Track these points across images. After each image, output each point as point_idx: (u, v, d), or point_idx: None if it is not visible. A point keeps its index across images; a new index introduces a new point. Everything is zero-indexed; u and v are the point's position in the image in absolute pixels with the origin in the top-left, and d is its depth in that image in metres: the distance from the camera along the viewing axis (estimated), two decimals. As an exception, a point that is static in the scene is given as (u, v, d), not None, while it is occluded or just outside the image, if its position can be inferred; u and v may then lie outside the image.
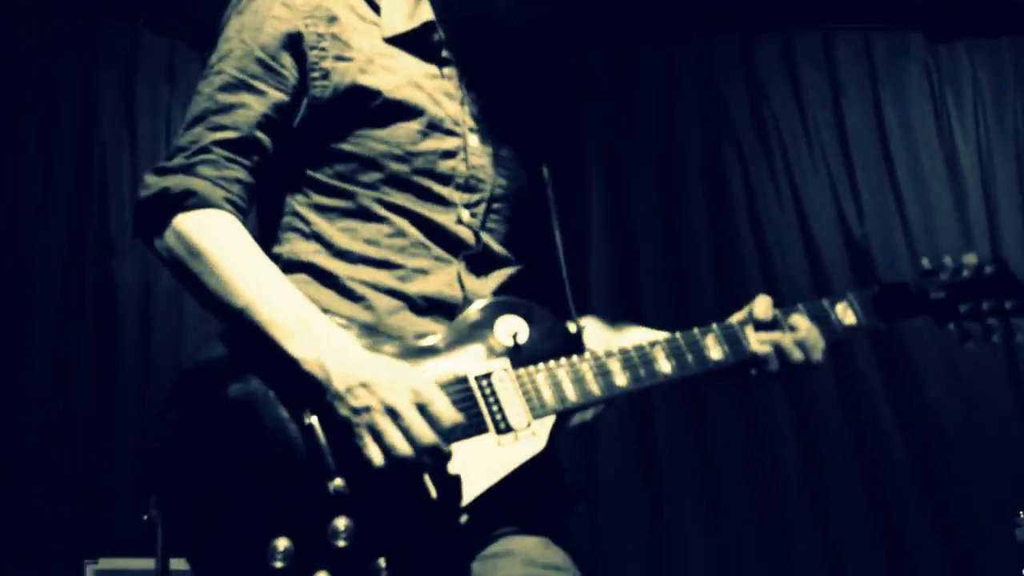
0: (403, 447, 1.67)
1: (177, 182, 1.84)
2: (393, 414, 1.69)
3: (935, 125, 5.19)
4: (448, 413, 1.71)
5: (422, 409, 1.70)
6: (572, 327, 1.97)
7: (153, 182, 1.87)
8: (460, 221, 1.98)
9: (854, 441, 4.74)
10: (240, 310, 1.78)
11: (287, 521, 1.67)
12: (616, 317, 2.16)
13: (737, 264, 4.91)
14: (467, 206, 2.00)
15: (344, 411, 1.71)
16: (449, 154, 2.00)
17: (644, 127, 5.22)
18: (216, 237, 1.83)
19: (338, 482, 1.70)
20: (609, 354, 1.91)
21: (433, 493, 1.72)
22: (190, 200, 1.83)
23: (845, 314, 2.04)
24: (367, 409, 1.70)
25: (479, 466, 1.77)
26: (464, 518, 1.74)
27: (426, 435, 1.68)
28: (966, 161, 5.15)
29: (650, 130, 5.21)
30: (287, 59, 1.95)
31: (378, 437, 1.69)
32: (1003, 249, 5.03)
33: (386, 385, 1.71)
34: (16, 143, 4.51)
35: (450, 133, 2.00)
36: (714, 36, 5.30)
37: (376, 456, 1.68)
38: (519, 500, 1.81)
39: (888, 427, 4.73)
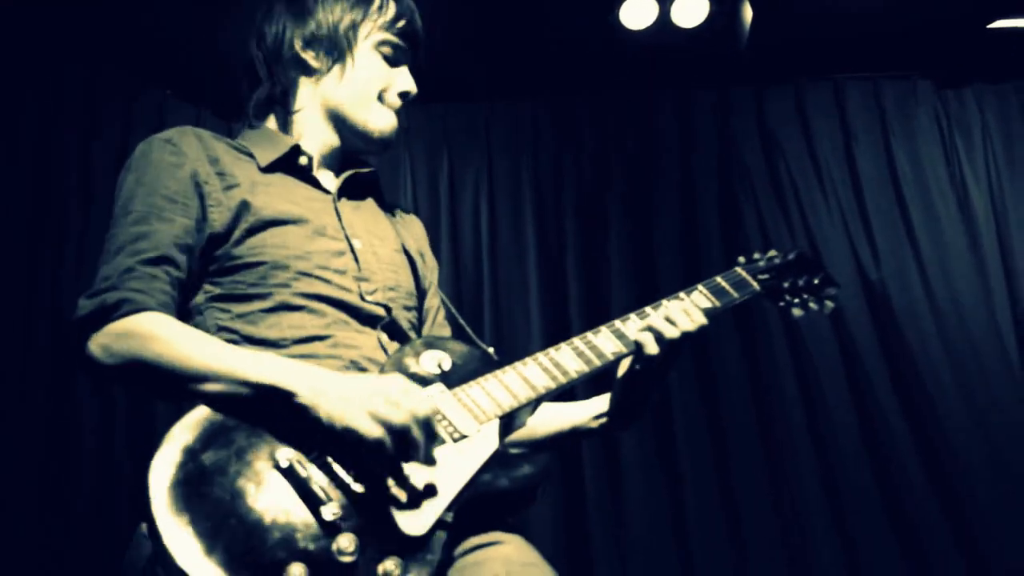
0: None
1: (111, 296, 1.99)
2: (407, 431, 1.88)
3: (946, 169, 5.28)
4: (442, 434, 1.98)
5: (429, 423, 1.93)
6: (489, 349, 2.29)
7: (85, 303, 2.01)
8: (366, 300, 2.23)
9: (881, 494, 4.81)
10: (208, 372, 1.91)
11: (296, 552, 1.77)
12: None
13: (758, 312, 4.99)
14: (367, 293, 2.25)
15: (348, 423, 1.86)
16: (339, 253, 2.26)
17: (663, 176, 5.35)
18: (167, 324, 1.98)
19: (332, 508, 1.81)
20: (525, 363, 2.21)
21: (421, 485, 1.89)
22: (127, 307, 1.98)
23: (700, 299, 2.42)
24: (389, 421, 1.86)
25: (451, 469, 1.97)
26: (450, 515, 1.91)
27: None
28: (979, 203, 5.24)
29: (670, 179, 5.35)
30: (188, 193, 2.15)
31: (392, 452, 1.87)
32: (1020, 287, 5.11)
33: (399, 394, 1.90)
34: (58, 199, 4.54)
35: (334, 238, 2.27)
36: (727, 88, 5.44)
37: (394, 466, 1.87)
38: (487, 503, 2.03)
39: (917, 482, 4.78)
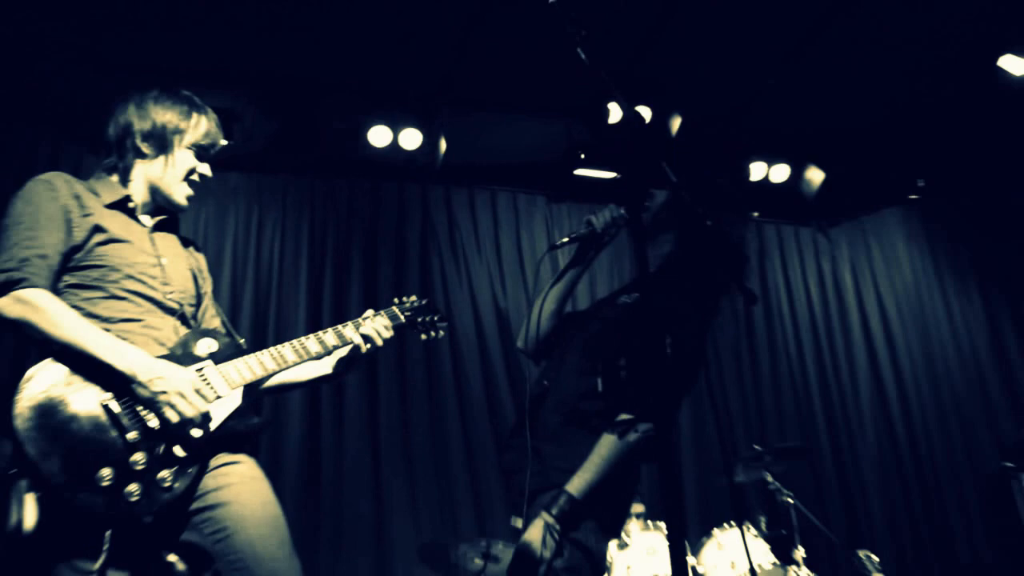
0: (191, 413, 2.56)
1: (14, 274, 2.58)
2: (181, 396, 2.54)
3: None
4: (208, 394, 2.63)
5: (196, 392, 2.59)
6: (241, 340, 2.83)
7: None
8: (168, 298, 2.85)
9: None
10: (70, 343, 2.48)
11: (107, 460, 2.39)
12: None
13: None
14: (168, 294, 2.85)
15: (147, 393, 2.51)
16: (153, 265, 2.85)
17: (388, 245, 7.43)
18: (48, 300, 2.57)
19: (132, 434, 2.41)
20: (263, 353, 2.81)
21: (198, 433, 2.54)
22: (24, 283, 2.56)
23: (382, 320, 3.18)
24: (164, 392, 2.52)
25: (212, 416, 2.62)
26: (210, 445, 2.59)
27: (202, 406, 2.58)
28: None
29: (390, 247, 7.46)
30: (58, 219, 2.71)
31: (174, 408, 2.53)
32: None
33: (173, 378, 2.55)
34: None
35: (150, 255, 2.87)
36: (427, 185, 7.61)
37: (174, 417, 2.53)
38: (231, 437, 2.68)
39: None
